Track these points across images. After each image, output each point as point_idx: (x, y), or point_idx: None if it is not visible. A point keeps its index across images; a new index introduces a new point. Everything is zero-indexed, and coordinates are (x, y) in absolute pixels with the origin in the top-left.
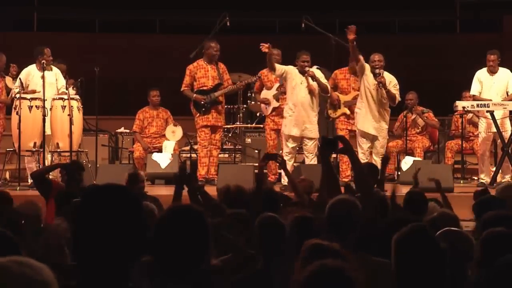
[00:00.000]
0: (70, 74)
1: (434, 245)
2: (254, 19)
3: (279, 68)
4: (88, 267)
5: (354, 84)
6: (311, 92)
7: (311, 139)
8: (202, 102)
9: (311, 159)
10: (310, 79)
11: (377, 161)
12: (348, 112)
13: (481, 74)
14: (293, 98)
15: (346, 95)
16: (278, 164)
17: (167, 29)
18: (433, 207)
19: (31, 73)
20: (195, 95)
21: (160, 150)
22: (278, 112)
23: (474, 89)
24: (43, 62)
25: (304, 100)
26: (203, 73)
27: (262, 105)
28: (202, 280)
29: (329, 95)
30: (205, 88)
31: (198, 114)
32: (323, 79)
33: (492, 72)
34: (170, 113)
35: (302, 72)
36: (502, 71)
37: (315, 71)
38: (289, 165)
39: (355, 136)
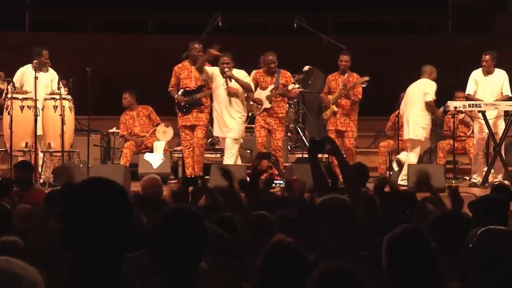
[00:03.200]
0: (62, 74)
1: (426, 245)
2: (246, 20)
3: (207, 70)
4: (77, 263)
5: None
6: (231, 93)
7: (229, 138)
8: (183, 104)
9: (228, 157)
10: (229, 80)
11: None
12: (336, 109)
13: (477, 75)
14: (217, 99)
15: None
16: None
17: (163, 29)
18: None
19: (26, 73)
20: (176, 95)
21: (151, 151)
22: (270, 113)
23: (469, 89)
24: (35, 63)
25: (226, 101)
26: (187, 74)
27: (254, 104)
28: (198, 280)
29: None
30: (188, 89)
31: (180, 114)
32: (247, 79)
33: (487, 72)
34: (152, 109)
35: (223, 73)
36: (498, 72)
37: (236, 71)
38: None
39: (343, 136)
